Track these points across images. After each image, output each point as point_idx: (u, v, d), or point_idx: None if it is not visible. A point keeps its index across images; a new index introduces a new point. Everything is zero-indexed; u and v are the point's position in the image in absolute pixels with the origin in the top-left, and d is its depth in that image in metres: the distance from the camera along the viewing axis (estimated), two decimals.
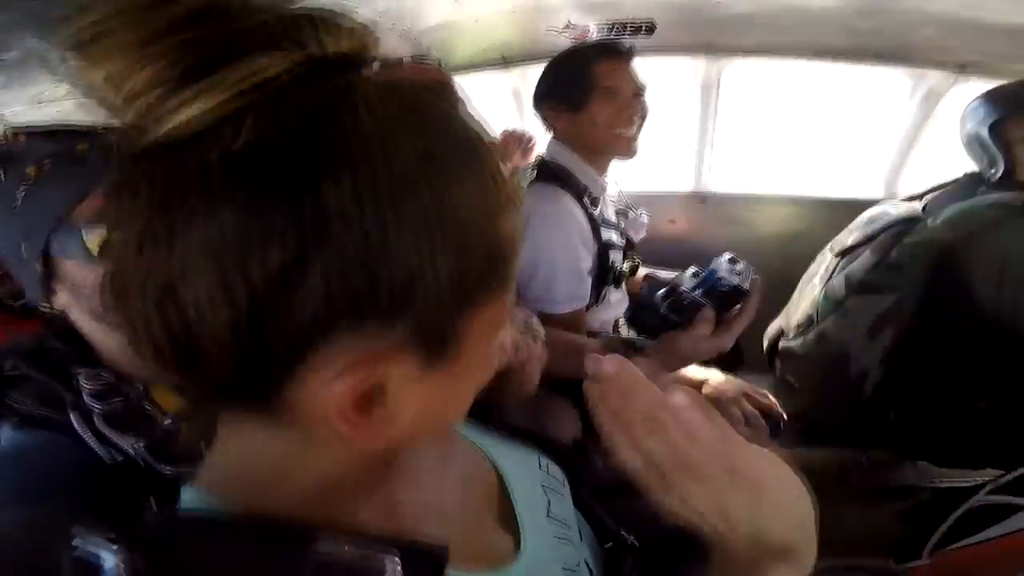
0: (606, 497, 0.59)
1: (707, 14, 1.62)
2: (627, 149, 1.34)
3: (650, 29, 1.81)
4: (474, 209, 0.28)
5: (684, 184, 2.28)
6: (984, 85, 1.47)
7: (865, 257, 1.42)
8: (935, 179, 1.55)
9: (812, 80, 2.03)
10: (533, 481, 0.52)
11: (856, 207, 1.61)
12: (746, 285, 1.03)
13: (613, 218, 1.43)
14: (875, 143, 2.15)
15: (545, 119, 1.40)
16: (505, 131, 1.84)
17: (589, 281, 1.31)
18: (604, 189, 1.39)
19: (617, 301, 1.46)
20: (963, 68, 1.63)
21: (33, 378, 0.59)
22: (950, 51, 1.59)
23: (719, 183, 2.26)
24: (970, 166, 1.44)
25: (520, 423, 0.61)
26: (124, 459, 0.56)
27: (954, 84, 1.69)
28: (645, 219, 1.56)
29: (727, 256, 1.06)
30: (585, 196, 1.31)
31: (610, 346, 1.16)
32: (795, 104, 2.22)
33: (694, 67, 1.98)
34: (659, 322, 1.12)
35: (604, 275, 1.35)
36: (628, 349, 1.12)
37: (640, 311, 1.28)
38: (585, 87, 1.30)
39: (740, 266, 1.04)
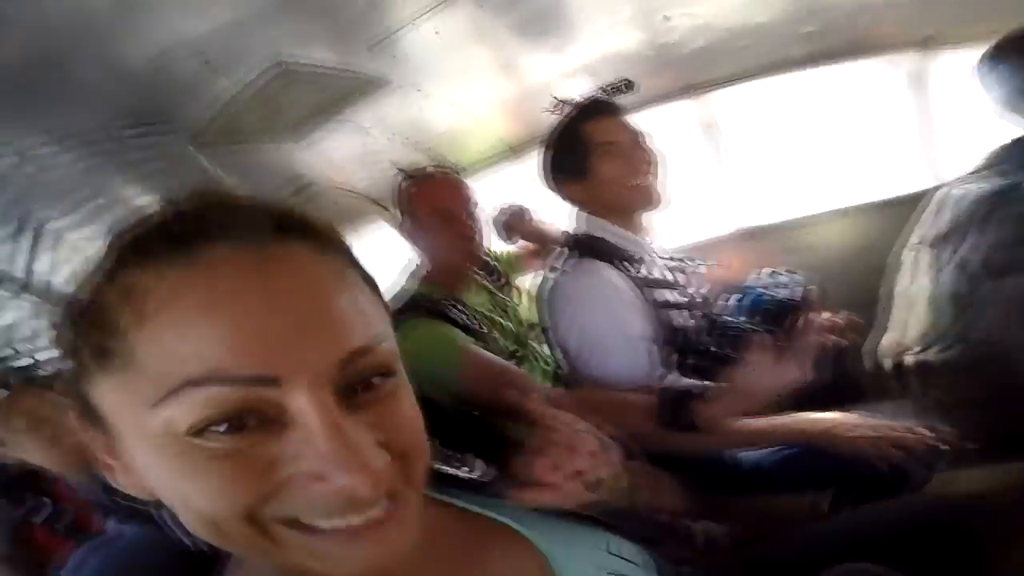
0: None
1: (671, 56, 1.79)
2: (648, 199, 1.26)
3: (629, 85, 2.01)
4: None
5: (725, 226, 2.27)
6: (956, 52, 1.51)
7: (976, 240, 1.25)
8: (972, 153, 1.41)
9: (807, 91, 2.11)
10: (594, 567, 0.51)
11: (907, 203, 1.52)
12: (797, 296, 0.92)
13: (667, 276, 1.30)
14: (892, 137, 2.15)
15: (560, 194, 1.35)
16: (500, 209, 1.80)
17: (651, 348, 1.17)
18: (644, 248, 1.29)
19: None
20: (926, 43, 1.69)
21: None
22: (901, 31, 1.67)
23: (759, 215, 2.24)
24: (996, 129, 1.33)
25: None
26: (209, 547, 0.65)
27: (928, 59, 1.74)
28: (702, 269, 1.42)
29: (767, 270, 0.99)
30: (623, 260, 1.22)
31: (665, 399, 1.05)
32: (798, 118, 2.29)
33: (684, 111, 2.13)
34: (712, 361, 1.01)
35: (671, 339, 1.20)
36: (686, 399, 1.01)
37: (690, 355, 1.17)
38: (582, 150, 1.26)
39: (784, 277, 0.95)
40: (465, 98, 1.88)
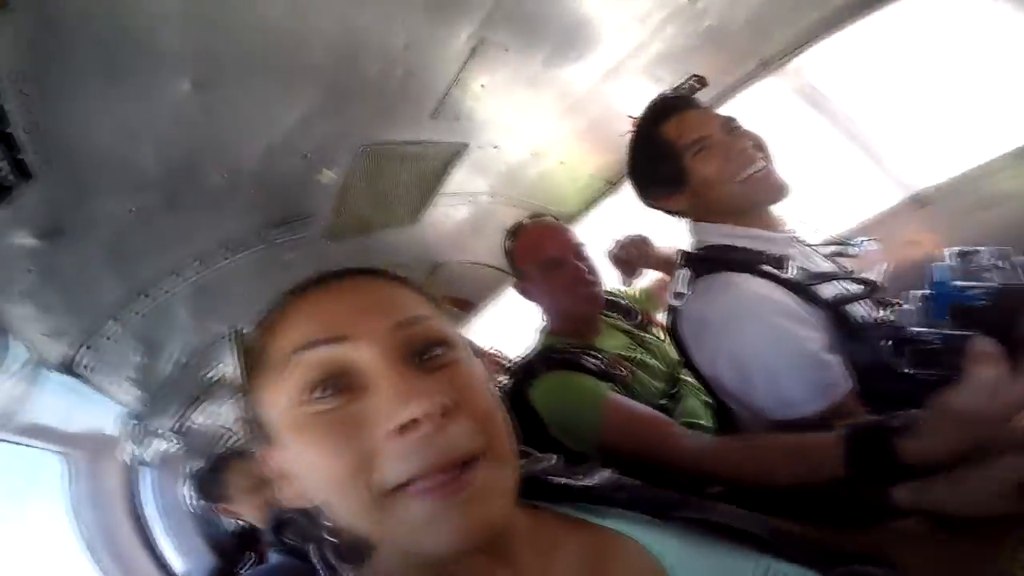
0: None
1: (720, 39, 1.74)
2: (768, 187, 1.08)
3: (700, 81, 1.97)
4: None
5: (888, 198, 1.97)
6: None
7: None
8: None
9: (899, 27, 1.84)
10: None
11: None
12: (1017, 279, 0.70)
13: (828, 266, 1.13)
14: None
15: (665, 211, 1.22)
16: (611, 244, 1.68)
17: (829, 358, 0.95)
18: (787, 243, 1.11)
19: None
20: None
21: (296, 517, 0.95)
22: None
23: (923, 178, 1.91)
24: None
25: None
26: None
27: None
28: (873, 245, 1.19)
29: (954, 251, 0.76)
30: (763, 263, 1.03)
31: (856, 438, 0.77)
32: (901, 59, 1.96)
33: (773, 89, 2.00)
34: (912, 386, 0.77)
35: (853, 338, 0.99)
36: (884, 435, 0.75)
37: (873, 381, 0.92)
38: (670, 156, 1.11)
39: (983, 257, 0.72)
40: (540, 143, 2.05)
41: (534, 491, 0.57)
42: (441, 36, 1.41)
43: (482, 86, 1.66)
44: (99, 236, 1.20)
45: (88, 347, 1.38)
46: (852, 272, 1.10)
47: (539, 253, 1.44)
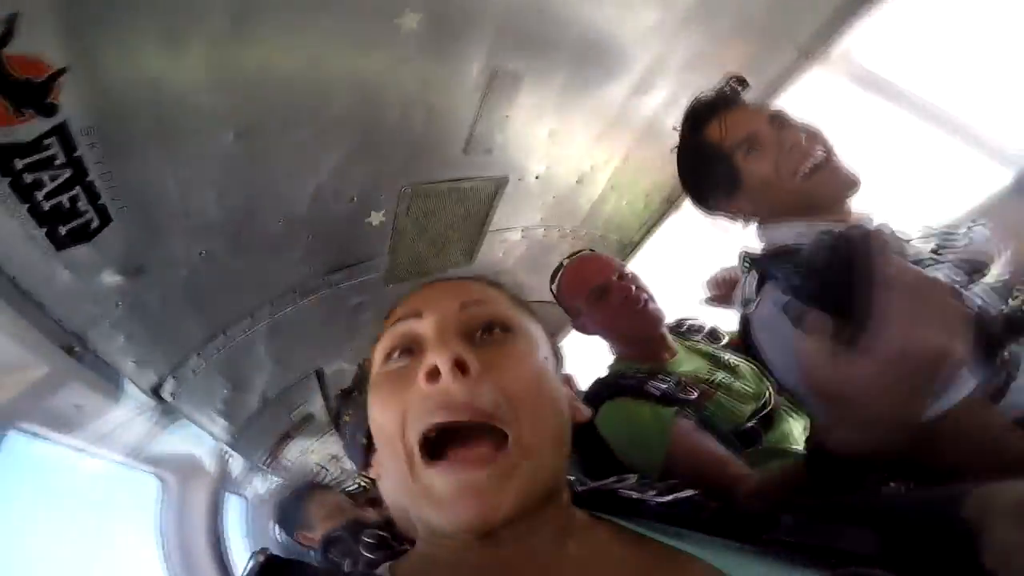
0: None
1: (741, 31, 1.69)
2: (832, 181, 0.99)
3: (740, 81, 1.89)
4: None
5: (992, 182, 1.68)
6: None
7: None
8: None
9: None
10: None
11: None
12: None
13: (926, 253, 0.99)
14: None
15: (727, 216, 1.15)
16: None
17: None
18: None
19: None
20: None
21: (344, 537, 1.09)
22: None
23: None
24: None
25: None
26: None
27: None
28: (984, 231, 1.05)
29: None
30: None
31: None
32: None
33: (813, 80, 1.86)
34: None
35: (980, 331, 0.80)
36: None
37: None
38: (719, 158, 1.05)
39: None
40: (583, 169, 2.07)
41: (608, 505, 0.58)
42: (452, 72, 1.54)
43: (506, 116, 1.76)
44: (176, 275, 1.43)
45: (174, 377, 1.61)
46: (955, 257, 0.94)
47: (582, 287, 1.46)
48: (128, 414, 1.57)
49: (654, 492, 0.59)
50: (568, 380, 0.64)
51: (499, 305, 0.57)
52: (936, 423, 0.72)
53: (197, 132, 1.24)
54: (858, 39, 1.73)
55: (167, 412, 1.66)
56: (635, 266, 2.53)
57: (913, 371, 0.59)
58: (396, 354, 0.54)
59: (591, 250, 1.68)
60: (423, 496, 0.48)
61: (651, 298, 1.43)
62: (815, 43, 1.75)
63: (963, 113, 1.71)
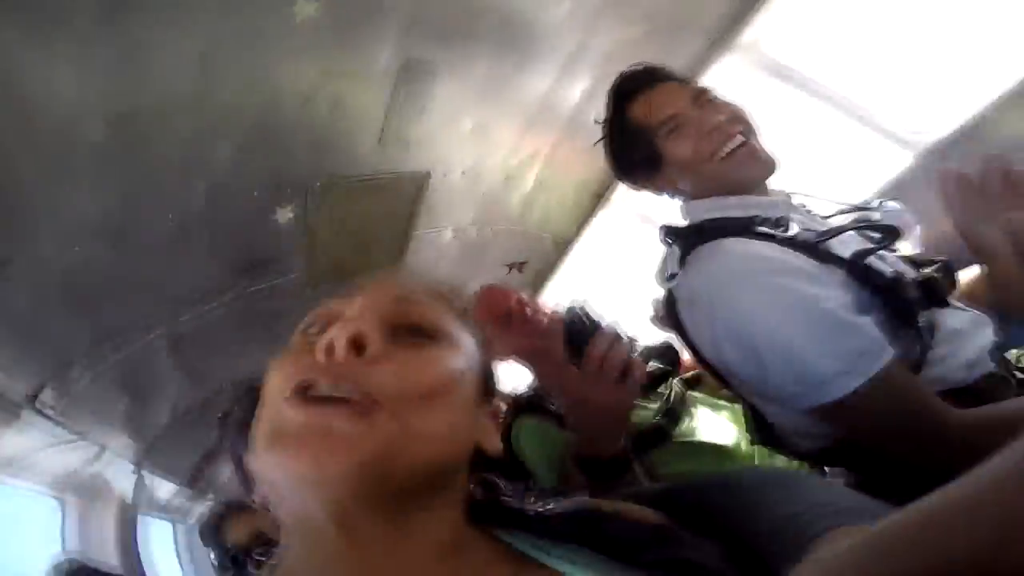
0: None
1: (662, 26, 1.67)
2: (751, 162, 0.98)
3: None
4: None
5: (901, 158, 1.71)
6: None
7: None
8: None
9: None
10: None
11: None
12: None
13: (843, 223, 0.97)
14: None
15: (653, 190, 1.12)
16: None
17: (862, 319, 0.79)
18: (788, 207, 0.99)
19: (964, 330, 0.87)
20: None
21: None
22: None
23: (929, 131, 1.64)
24: None
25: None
26: None
27: None
28: (896, 205, 1.09)
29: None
30: (759, 225, 0.91)
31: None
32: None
33: (734, 68, 1.86)
34: None
35: (896, 297, 0.83)
36: None
37: None
38: (640, 136, 1.03)
39: None
40: (510, 164, 2.01)
41: (492, 516, 0.54)
42: (357, 61, 1.46)
43: (423, 108, 1.69)
44: (48, 276, 1.31)
45: (54, 388, 1.48)
46: (869, 223, 0.95)
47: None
48: (16, 430, 1.43)
49: (535, 501, 0.55)
50: (495, 412, 0.59)
51: (436, 313, 0.53)
52: (859, 396, 0.74)
53: (59, 119, 1.13)
54: (765, 29, 1.75)
55: (60, 428, 1.52)
56: (572, 263, 2.51)
57: None
58: (313, 328, 0.51)
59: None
60: (276, 441, 0.43)
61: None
62: (721, 30, 1.75)
63: (863, 99, 1.73)
